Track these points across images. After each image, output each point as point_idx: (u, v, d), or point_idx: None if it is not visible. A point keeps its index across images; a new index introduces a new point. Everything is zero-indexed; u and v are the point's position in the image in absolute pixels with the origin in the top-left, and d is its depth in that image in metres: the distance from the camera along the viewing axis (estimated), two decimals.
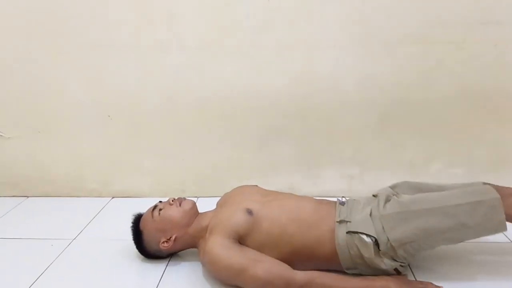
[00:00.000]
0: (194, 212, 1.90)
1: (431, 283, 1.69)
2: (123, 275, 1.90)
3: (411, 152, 2.45)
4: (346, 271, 1.74)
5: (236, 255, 1.66)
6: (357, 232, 1.69)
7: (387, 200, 1.77)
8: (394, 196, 1.78)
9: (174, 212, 1.86)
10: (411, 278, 1.77)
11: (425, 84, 2.33)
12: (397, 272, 1.71)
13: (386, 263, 1.67)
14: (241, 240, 1.73)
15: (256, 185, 2.09)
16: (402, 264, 1.70)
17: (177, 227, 1.85)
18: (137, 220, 1.93)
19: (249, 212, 1.77)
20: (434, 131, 2.40)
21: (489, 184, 1.75)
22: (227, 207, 1.87)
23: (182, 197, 1.95)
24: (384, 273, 1.70)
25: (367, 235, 1.67)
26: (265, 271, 1.62)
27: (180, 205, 1.89)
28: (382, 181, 2.04)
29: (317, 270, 1.72)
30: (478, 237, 1.69)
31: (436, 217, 1.64)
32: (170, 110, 2.46)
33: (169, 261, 1.95)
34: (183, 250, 1.95)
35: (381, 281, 1.66)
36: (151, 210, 1.90)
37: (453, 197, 1.68)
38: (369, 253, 1.66)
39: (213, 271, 1.74)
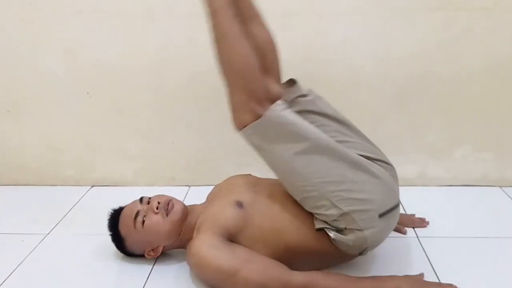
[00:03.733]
0: (184, 220, 1.83)
1: (451, 284, 1.65)
2: (104, 275, 1.87)
3: (434, 134, 2.42)
4: (360, 256, 1.72)
5: (226, 256, 1.63)
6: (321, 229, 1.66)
7: None
8: None
9: (161, 225, 1.79)
10: (434, 279, 1.73)
11: (449, 57, 2.29)
12: (384, 215, 1.63)
13: (366, 227, 1.59)
14: (232, 237, 1.70)
15: (250, 174, 2.06)
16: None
17: (164, 239, 1.82)
18: (116, 223, 1.87)
19: (239, 205, 1.74)
20: (459, 110, 2.37)
21: None
22: (215, 202, 1.84)
23: (169, 198, 1.86)
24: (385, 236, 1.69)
25: (326, 228, 1.64)
26: (259, 273, 1.59)
27: (167, 214, 1.80)
28: (400, 168, 1.99)
29: (325, 268, 1.71)
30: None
31: (286, 176, 1.65)
32: (158, 87, 2.43)
33: (156, 260, 1.91)
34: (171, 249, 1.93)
35: (392, 282, 1.63)
36: (133, 217, 1.80)
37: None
38: (348, 240, 1.61)
39: (200, 274, 1.71)
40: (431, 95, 2.35)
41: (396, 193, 1.70)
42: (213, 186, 2.05)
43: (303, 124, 1.61)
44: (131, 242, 1.84)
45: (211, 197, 1.97)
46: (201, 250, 1.64)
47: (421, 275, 1.70)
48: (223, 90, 2.37)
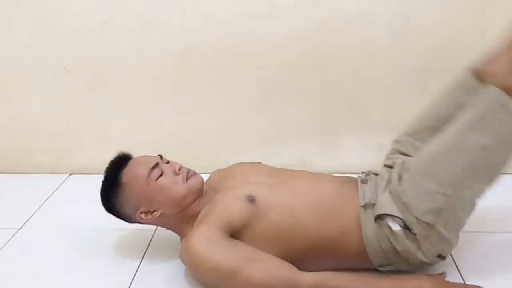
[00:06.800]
0: (199, 194, 1.81)
1: (478, 286, 1.64)
2: (86, 274, 1.86)
3: None
4: (378, 268, 1.71)
5: (227, 253, 1.62)
6: (384, 215, 1.65)
7: (403, 169, 1.77)
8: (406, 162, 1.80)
9: (178, 188, 1.76)
10: (458, 278, 1.73)
11: (477, 25, 2.27)
12: (441, 258, 1.69)
13: (424, 252, 1.64)
14: (235, 234, 1.68)
15: (260, 162, 2.04)
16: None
17: (170, 205, 1.77)
18: (120, 165, 1.80)
19: (251, 199, 1.72)
20: None
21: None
22: (223, 193, 1.81)
23: (191, 169, 1.84)
24: (422, 267, 1.69)
25: (392, 216, 1.64)
26: (263, 273, 1.58)
27: (186, 180, 1.78)
28: None
29: (338, 268, 1.69)
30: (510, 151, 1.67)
31: (450, 159, 1.63)
32: (144, 61, 2.41)
33: (143, 258, 1.91)
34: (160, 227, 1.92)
35: (413, 282, 1.61)
36: (150, 167, 1.77)
37: (459, 129, 1.67)
38: (401, 244, 1.63)
39: (196, 273, 1.70)
40: (455, 70, 2.22)
41: None
42: (207, 174, 2.01)
43: None
44: (128, 193, 1.77)
45: (216, 186, 1.91)
46: (199, 245, 1.62)
47: (443, 274, 1.70)
48: (218, 65, 2.38)
